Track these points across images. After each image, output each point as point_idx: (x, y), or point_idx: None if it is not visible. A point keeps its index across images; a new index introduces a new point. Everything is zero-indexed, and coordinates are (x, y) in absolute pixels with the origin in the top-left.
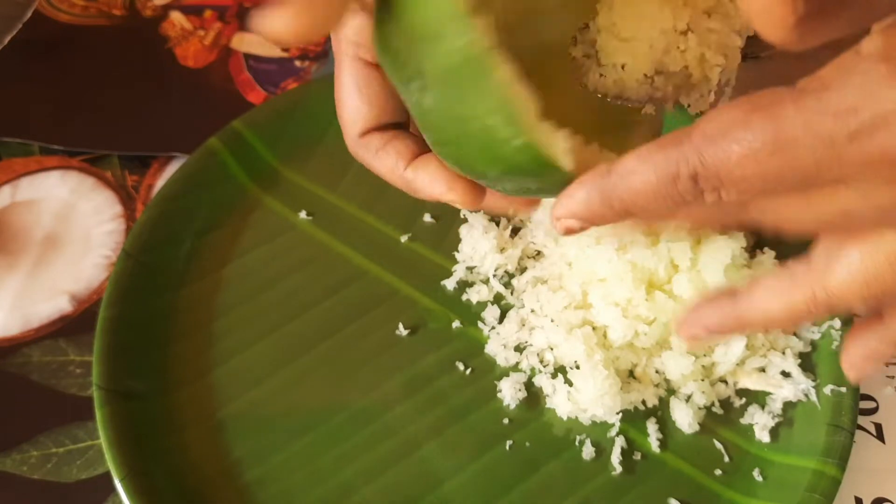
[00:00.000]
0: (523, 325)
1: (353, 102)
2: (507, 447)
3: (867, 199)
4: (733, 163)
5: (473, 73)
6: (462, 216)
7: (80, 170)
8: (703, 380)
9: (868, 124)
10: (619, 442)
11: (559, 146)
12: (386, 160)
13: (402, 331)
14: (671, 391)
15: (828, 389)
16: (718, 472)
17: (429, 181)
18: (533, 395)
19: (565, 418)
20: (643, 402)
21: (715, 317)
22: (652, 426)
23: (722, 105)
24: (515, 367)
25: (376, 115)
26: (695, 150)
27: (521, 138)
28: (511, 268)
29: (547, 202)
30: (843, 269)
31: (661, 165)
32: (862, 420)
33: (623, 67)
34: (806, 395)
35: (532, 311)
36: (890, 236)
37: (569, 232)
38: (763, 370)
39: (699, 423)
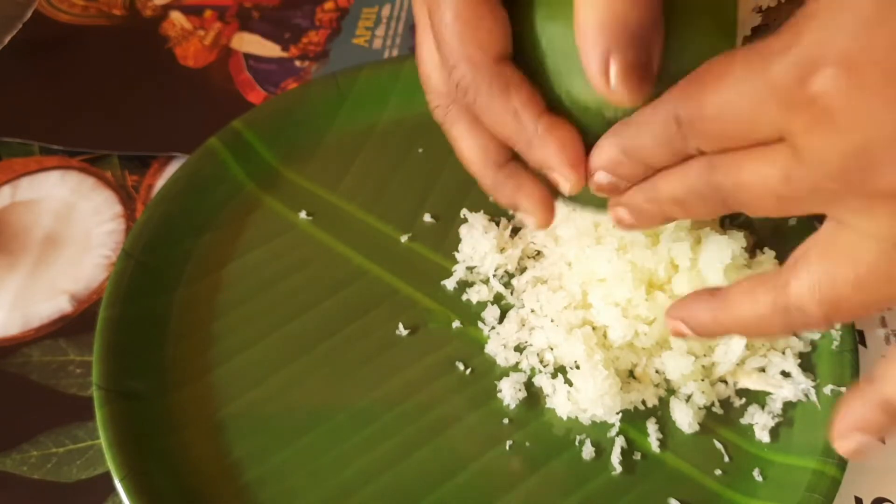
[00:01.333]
0: (523, 325)
1: (487, 23)
2: (507, 447)
3: (802, 161)
4: (697, 105)
5: None
6: (462, 216)
7: (80, 170)
8: (703, 380)
9: (805, 62)
10: (619, 442)
11: None
12: (520, 96)
13: (402, 331)
14: (671, 391)
15: (828, 389)
16: (718, 472)
17: (560, 143)
18: (533, 395)
19: (565, 418)
20: (643, 402)
21: (696, 315)
22: (652, 426)
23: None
24: (515, 367)
25: (507, 41)
26: (679, 98)
27: None
28: (511, 268)
29: None
30: (802, 273)
31: (659, 113)
32: None
33: None
34: (806, 395)
35: (532, 311)
36: (845, 227)
37: (599, 189)
38: (763, 370)
39: (699, 423)
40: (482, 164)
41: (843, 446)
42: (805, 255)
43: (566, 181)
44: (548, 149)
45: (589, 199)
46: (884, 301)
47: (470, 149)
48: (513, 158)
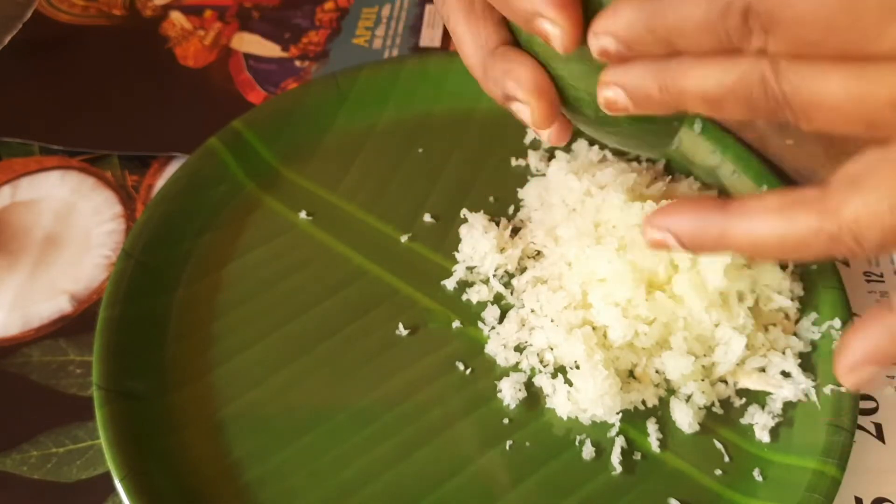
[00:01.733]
0: (523, 325)
1: None
2: (507, 447)
3: None
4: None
5: None
6: (462, 216)
7: (80, 170)
8: (703, 380)
9: None
10: (619, 442)
11: None
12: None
13: (402, 331)
14: (671, 391)
15: (828, 389)
16: (718, 472)
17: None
18: (533, 395)
19: (565, 418)
20: (643, 402)
21: (692, 224)
22: (652, 426)
23: None
24: (515, 367)
25: None
26: None
27: None
28: (511, 268)
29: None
30: (866, 194)
31: None
32: (862, 420)
33: None
34: (806, 395)
35: (532, 311)
36: None
37: (602, 54)
38: (763, 370)
39: (699, 423)
40: (474, 49)
41: (851, 379)
42: (868, 174)
43: (554, 26)
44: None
45: (583, 88)
46: None
47: (464, 35)
48: (507, 45)
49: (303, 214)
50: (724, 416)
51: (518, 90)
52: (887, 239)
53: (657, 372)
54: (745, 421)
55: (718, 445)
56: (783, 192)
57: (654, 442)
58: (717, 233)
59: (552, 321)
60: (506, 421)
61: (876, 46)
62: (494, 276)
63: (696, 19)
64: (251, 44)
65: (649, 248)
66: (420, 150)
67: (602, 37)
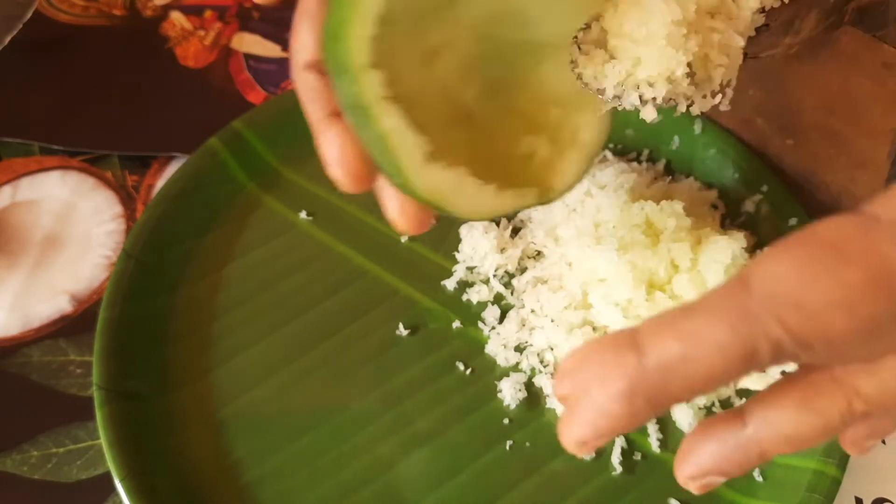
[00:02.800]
0: (523, 325)
1: (305, 35)
2: (507, 447)
3: None
4: (823, 319)
5: (361, 117)
6: None
7: (80, 170)
8: None
9: None
10: (619, 442)
11: (443, 189)
12: (313, 101)
13: (402, 331)
14: None
15: None
16: None
17: (338, 141)
18: (533, 395)
19: None
20: None
21: (725, 455)
22: (652, 426)
23: (765, 250)
24: (515, 367)
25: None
26: (771, 314)
27: (401, 180)
28: (511, 268)
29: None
30: (886, 368)
31: (731, 343)
32: None
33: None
34: None
35: (532, 311)
36: None
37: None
38: (763, 370)
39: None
40: (310, 122)
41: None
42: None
43: (339, 178)
44: (323, 147)
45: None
46: None
47: (304, 107)
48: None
49: (303, 214)
50: None
51: (337, 161)
52: None
53: None
54: None
55: None
56: (791, 384)
57: (654, 442)
58: (756, 453)
59: (552, 321)
60: (506, 421)
61: None
62: (494, 276)
63: (716, 374)
64: (251, 44)
65: (699, 493)
66: None
67: (588, 443)
